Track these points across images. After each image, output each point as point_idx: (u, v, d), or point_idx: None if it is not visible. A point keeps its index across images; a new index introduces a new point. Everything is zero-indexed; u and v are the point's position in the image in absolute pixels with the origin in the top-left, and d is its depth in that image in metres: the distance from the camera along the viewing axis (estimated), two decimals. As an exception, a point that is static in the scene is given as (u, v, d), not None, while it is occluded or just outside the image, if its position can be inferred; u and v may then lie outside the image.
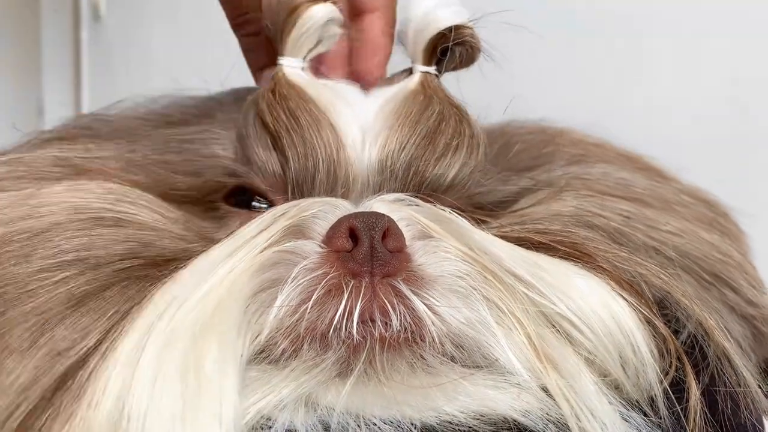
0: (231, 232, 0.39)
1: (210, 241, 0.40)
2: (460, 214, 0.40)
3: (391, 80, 0.49)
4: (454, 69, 0.48)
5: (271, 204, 0.43)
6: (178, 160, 0.45)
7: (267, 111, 0.43)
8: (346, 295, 0.36)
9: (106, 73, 1.62)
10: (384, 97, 0.46)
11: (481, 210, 0.46)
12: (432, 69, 0.47)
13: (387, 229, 0.38)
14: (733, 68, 0.76)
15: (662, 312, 0.40)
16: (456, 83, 0.49)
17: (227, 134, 0.45)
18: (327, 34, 0.45)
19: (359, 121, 0.44)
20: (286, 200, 0.42)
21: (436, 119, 0.44)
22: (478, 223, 0.43)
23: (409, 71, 0.48)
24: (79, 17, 1.68)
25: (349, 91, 0.47)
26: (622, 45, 0.80)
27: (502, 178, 0.48)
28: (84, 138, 0.47)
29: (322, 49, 0.46)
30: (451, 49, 0.46)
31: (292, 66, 0.45)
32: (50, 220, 0.39)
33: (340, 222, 0.38)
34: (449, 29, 0.45)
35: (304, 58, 0.45)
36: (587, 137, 0.54)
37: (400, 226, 0.39)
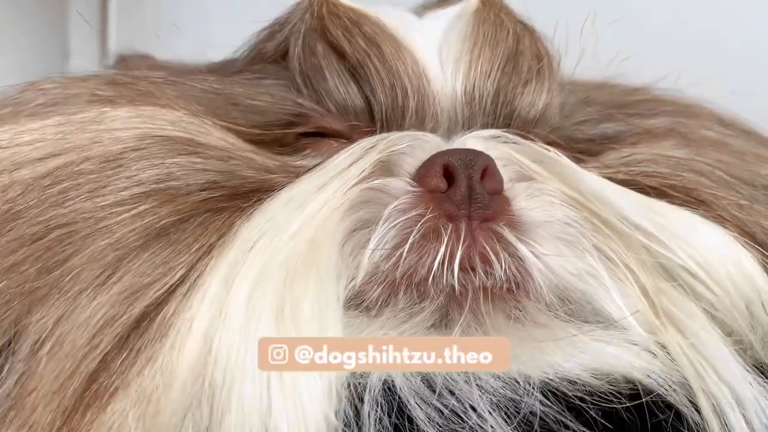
0: (319, 163, 0.36)
1: (292, 173, 0.37)
2: (563, 154, 0.37)
3: (444, 1, 0.44)
4: None
5: None
6: (241, 100, 0.40)
7: (343, 37, 0.39)
8: (444, 240, 0.32)
9: (133, 15, 1.58)
10: (445, 19, 0.41)
11: (578, 146, 0.42)
12: None
13: (485, 169, 0.34)
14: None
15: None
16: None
17: (285, 73, 0.41)
18: None
19: (431, 45, 0.40)
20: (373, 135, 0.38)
21: (513, 40, 0.40)
22: (578, 161, 0.40)
23: None
24: (105, -43, 1.64)
25: (406, 16, 0.42)
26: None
27: (597, 117, 0.44)
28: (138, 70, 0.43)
29: None
30: None
31: None
32: (121, 147, 0.35)
33: (433, 159, 0.35)
34: None
35: None
36: (676, 95, 0.51)
37: (497, 166, 0.35)
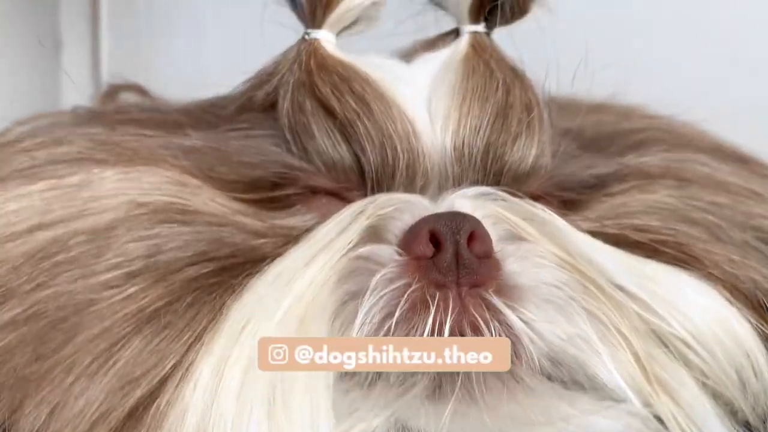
0: (307, 231, 0.36)
1: (282, 235, 0.37)
2: (552, 211, 0.37)
3: (433, 44, 0.44)
4: (506, 24, 0.42)
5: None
6: (230, 156, 0.40)
7: (332, 94, 0.38)
8: (432, 311, 0.32)
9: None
10: (433, 66, 0.41)
11: (568, 194, 0.41)
12: (481, 27, 0.42)
13: (472, 233, 0.34)
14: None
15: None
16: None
17: (275, 124, 0.40)
18: (367, 14, 0.41)
19: (420, 99, 0.39)
20: (363, 196, 0.38)
21: (502, 92, 0.39)
22: (567, 212, 0.40)
23: (455, 33, 0.43)
24: (97, -55, 1.61)
25: (394, 65, 0.42)
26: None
27: (588, 161, 0.44)
28: (123, 122, 0.43)
29: (357, 29, 0.42)
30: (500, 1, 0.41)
31: (330, 41, 0.40)
32: (108, 218, 0.35)
33: (419, 225, 0.34)
34: None
35: (337, 35, 0.41)
36: (669, 120, 0.50)
37: (486, 225, 0.35)
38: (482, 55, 0.40)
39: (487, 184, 0.38)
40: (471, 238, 0.34)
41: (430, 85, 0.40)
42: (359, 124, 0.37)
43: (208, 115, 0.45)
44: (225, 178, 0.39)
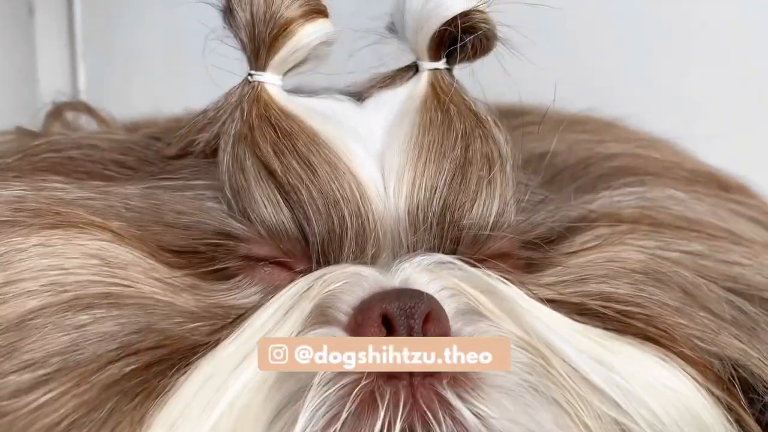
0: (246, 312, 0.33)
1: (222, 316, 0.34)
2: (512, 277, 0.34)
3: (391, 80, 0.40)
4: (468, 61, 0.39)
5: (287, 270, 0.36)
6: (167, 215, 0.37)
7: (273, 156, 0.35)
8: (382, 412, 0.30)
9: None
10: (389, 111, 0.38)
11: (530, 253, 0.39)
12: (441, 64, 0.39)
13: (428, 314, 0.31)
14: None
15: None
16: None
17: (216, 173, 0.38)
18: (316, 53, 0.38)
19: (372, 155, 0.36)
20: (309, 268, 0.35)
21: (462, 145, 0.36)
22: (528, 275, 0.37)
23: (414, 69, 0.39)
24: None
25: (345, 112, 0.38)
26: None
27: (555, 204, 0.41)
28: (54, 167, 0.39)
29: (305, 68, 0.39)
30: (461, 39, 0.38)
31: (275, 84, 0.37)
32: (26, 306, 0.32)
33: (371, 306, 0.32)
34: (456, 17, 0.37)
35: (284, 75, 0.38)
36: (646, 142, 0.47)
37: (441, 298, 0.33)
38: (441, 98, 0.38)
39: (444, 250, 0.35)
40: (426, 320, 0.31)
41: (384, 137, 0.37)
42: (302, 189, 0.34)
43: (151, 153, 0.42)
44: (159, 241, 0.36)
